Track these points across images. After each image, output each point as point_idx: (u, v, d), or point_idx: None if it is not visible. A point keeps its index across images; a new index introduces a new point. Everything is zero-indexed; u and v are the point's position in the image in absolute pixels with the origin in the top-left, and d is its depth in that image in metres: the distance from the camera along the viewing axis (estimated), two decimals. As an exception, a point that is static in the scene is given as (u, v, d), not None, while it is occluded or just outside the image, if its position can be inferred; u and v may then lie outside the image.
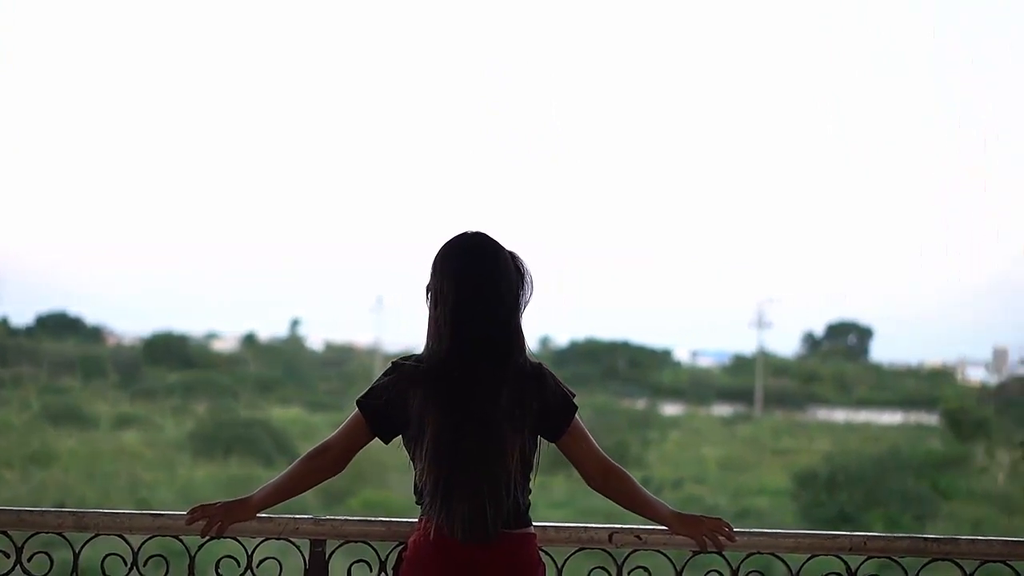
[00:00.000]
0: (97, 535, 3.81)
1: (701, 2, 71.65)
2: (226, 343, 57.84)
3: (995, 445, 35.23)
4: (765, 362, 52.71)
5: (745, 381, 51.85)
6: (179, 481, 28.46)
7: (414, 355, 3.67)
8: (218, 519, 3.79)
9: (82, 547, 3.84)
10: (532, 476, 3.60)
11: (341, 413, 37.92)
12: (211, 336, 58.74)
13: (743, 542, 3.78)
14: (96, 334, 55.06)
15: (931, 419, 42.75)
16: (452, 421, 3.52)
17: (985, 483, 32.64)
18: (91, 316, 56.86)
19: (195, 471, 29.63)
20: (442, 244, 3.69)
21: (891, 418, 45.51)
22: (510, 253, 3.67)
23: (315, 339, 61.08)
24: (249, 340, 57.78)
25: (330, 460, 3.71)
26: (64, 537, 3.84)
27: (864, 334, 64.14)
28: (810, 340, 64.76)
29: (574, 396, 3.70)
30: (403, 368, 3.62)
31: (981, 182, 71.43)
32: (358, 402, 3.68)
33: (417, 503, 3.61)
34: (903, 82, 68.68)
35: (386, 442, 3.65)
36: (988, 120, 69.81)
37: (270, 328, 61.84)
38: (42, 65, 68.34)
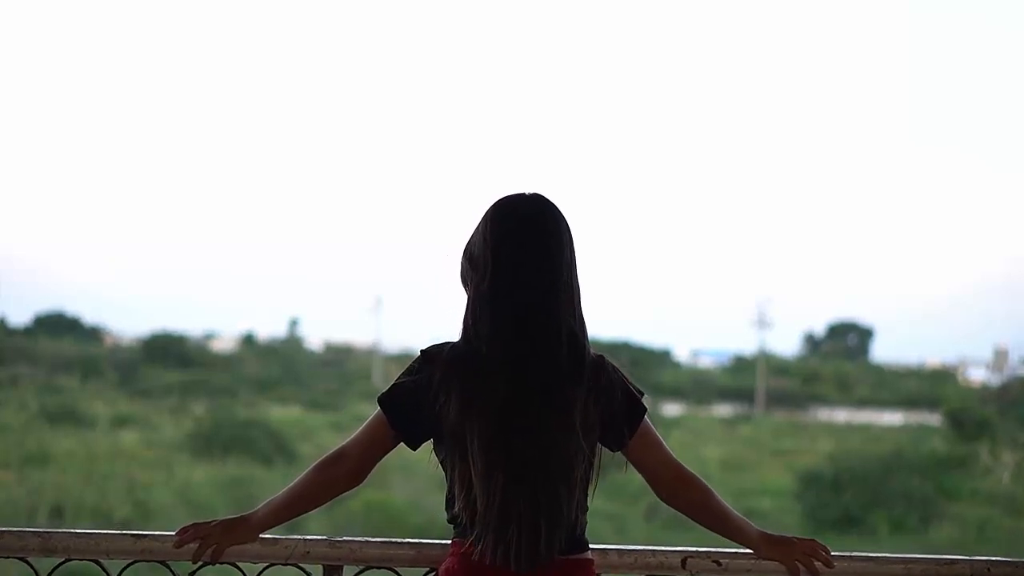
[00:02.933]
0: (68, 559, 3.15)
1: (705, 3, 71.37)
2: (224, 343, 57.71)
3: (999, 446, 34.95)
4: (766, 362, 52.51)
5: (746, 381, 51.74)
6: (177, 481, 28.11)
7: (448, 343, 2.97)
8: (214, 541, 3.10)
9: (50, 574, 3.14)
10: (591, 491, 2.96)
11: (340, 413, 37.78)
12: (209, 336, 58.60)
13: (842, 568, 3.18)
14: (94, 334, 54.98)
15: (933, 419, 42.55)
16: (506, 428, 2.85)
17: (989, 484, 32.32)
18: (89, 316, 56.70)
19: (193, 471, 29.27)
20: (491, 205, 3.01)
21: (892, 418, 45.33)
22: None
23: (313, 339, 61.00)
24: (247, 340, 57.70)
25: (347, 470, 3.03)
26: (28, 563, 3.18)
27: (864, 334, 64.13)
28: (810, 340, 64.74)
29: (643, 395, 3.04)
30: (436, 359, 2.93)
31: (979, 182, 71.13)
32: (380, 400, 3.01)
33: (450, 522, 2.97)
34: (904, 81, 68.39)
35: (414, 448, 2.99)
36: (989, 119, 69.53)
37: (268, 328, 61.76)
38: (42, 62, 67.96)
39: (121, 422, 35.81)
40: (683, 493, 3.10)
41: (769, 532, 3.20)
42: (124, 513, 24.38)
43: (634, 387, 3.02)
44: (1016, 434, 35.56)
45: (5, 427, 33.32)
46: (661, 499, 3.12)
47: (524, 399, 2.86)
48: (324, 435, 32.74)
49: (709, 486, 3.12)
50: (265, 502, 3.15)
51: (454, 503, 2.94)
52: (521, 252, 2.93)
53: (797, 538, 3.20)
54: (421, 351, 2.98)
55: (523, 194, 3.02)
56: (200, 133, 71.16)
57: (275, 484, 25.39)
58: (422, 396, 2.92)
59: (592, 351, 2.97)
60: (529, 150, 72.92)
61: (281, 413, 38.32)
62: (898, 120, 71.55)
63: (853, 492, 29.87)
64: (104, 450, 31.45)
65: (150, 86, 68.96)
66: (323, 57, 72.48)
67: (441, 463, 2.96)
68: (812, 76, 72.17)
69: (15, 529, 3.16)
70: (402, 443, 3.02)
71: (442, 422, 2.89)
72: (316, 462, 3.08)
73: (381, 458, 3.05)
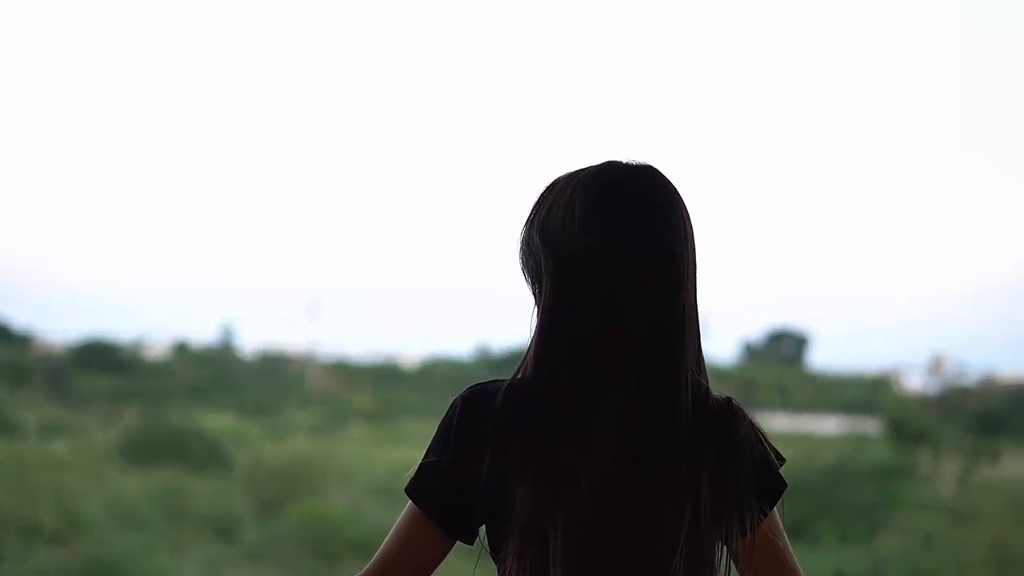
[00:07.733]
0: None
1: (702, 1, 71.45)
2: (156, 349, 57.22)
3: (940, 454, 35.03)
4: (708, 370, 52.55)
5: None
6: (108, 491, 27.49)
7: (501, 383, 1.94)
8: None
9: None
10: None
11: (274, 420, 37.22)
12: (141, 342, 58.03)
13: None
14: (23, 341, 54.44)
15: (872, 427, 42.63)
16: (606, 521, 1.88)
17: (932, 493, 32.31)
18: (17, 321, 56.07)
19: (125, 480, 28.69)
20: (585, 171, 1.97)
21: (831, 425, 45.32)
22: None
23: (247, 344, 60.50)
24: (180, 346, 57.32)
25: None
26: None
27: (800, 342, 64.50)
28: (748, 348, 65.01)
29: (783, 462, 2.07)
30: (482, 413, 1.91)
31: (922, 189, 71.66)
32: (410, 490, 1.98)
33: None
34: (882, 83, 68.77)
35: (471, 543, 1.98)
36: (991, 124, 70.05)
37: (201, 334, 61.23)
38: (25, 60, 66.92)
39: (50, 430, 35.20)
40: None
41: None
42: (53, 524, 23.78)
43: (773, 449, 2.05)
44: (956, 442, 35.64)
45: (-71, 437, 32.70)
46: None
47: (633, 476, 1.90)
48: (259, 443, 32.22)
49: None
50: None
51: None
52: (635, 243, 1.93)
53: None
54: (460, 397, 1.98)
55: (620, 164, 1.98)
56: (133, 136, 70.37)
57: (208, 493, 24.83)
58: (468, 469, 1.92)
59: (718, 393, 2.00)
60: (508, 149, 72.73)
61: (215, 421, 37.75)
62: (859, 123, 71.94)
63: (798, 501, 29.65)
64: (33, 459, 30.86)
65: (116, 85, 68.13)
66: (280, 61, 71.99)
67: (496, 559, 1.97)
68: (809, 78, 72.41)
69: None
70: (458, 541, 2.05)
71: (506, 503, 1.91)
72: None
73: (436, 565, 2.01)
